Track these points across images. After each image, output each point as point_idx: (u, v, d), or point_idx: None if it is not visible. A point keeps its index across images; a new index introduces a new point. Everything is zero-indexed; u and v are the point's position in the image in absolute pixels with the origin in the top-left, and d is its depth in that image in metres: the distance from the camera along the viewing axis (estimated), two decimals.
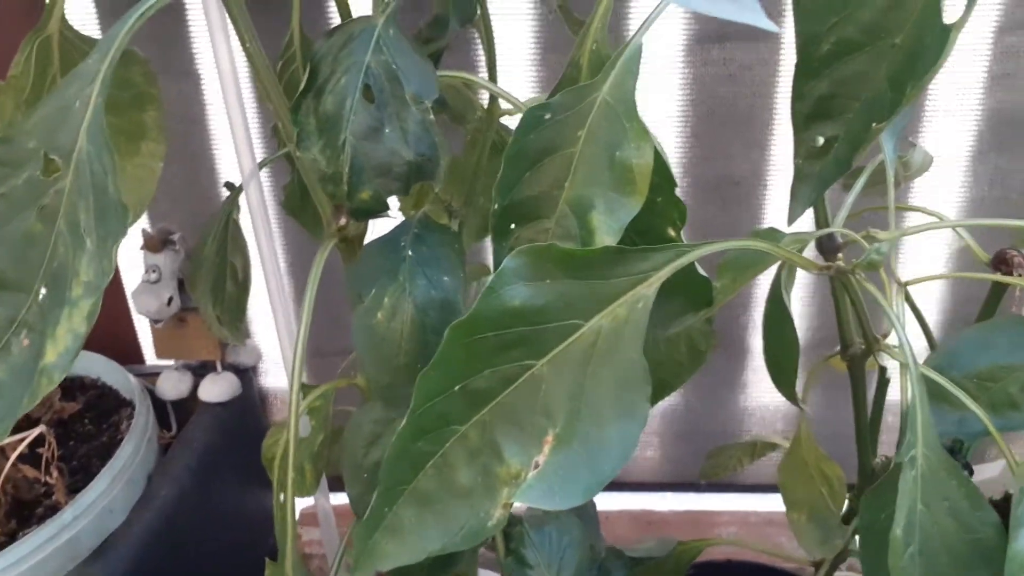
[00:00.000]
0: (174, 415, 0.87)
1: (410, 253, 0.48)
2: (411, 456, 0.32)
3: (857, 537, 0.60)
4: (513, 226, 0.36)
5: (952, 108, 0.80)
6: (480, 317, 0.32)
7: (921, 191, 0.82)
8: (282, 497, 0.55)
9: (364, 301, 0.47)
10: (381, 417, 0.46)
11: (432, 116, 0.41)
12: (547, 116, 0.35)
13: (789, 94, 0.83)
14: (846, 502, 0.60)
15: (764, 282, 0.91)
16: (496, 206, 0.36)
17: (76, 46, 0.57)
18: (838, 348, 0.59)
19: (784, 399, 0.99)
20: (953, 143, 0.81)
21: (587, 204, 0.34)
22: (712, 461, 0.74)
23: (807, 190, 0.38)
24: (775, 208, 0.86)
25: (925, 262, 0.86)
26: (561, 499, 0.31)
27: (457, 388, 0.32)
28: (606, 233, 0.34)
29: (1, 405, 0.34)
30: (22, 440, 0.71)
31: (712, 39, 0.79)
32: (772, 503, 1.03)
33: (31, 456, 0.74)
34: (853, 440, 0.99)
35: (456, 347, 0.32)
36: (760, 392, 0.98)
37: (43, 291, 0.35)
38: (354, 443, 0.46)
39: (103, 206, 0.34)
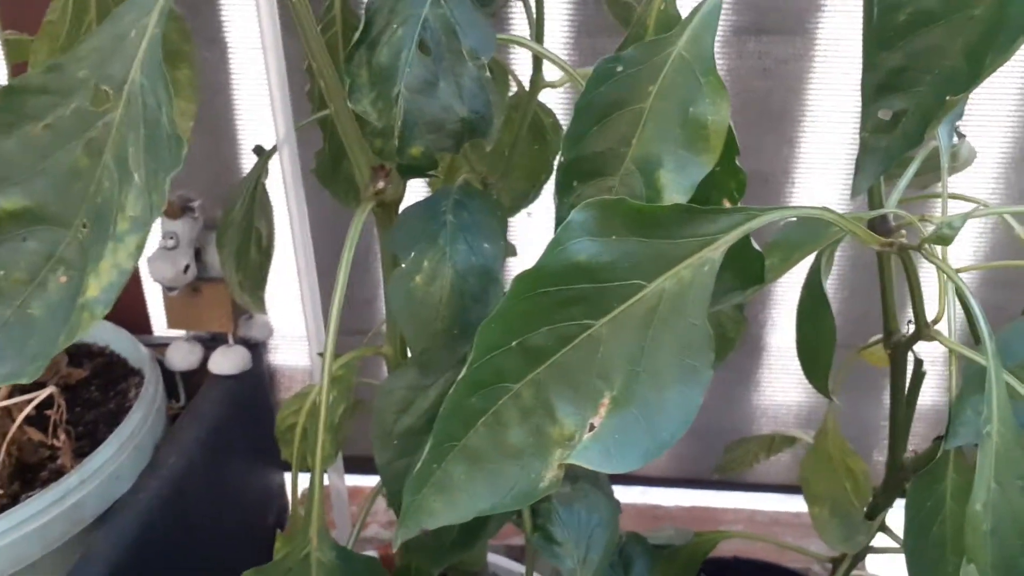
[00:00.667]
0: (183, 386, 0.86)
1: (451, 218, 0.47)
2: (464, 412, 0.31)
3: (880, 534, 0.59)
4: (575, 183, 0.35)
5: (988, 114, 0.79)
6: (544, 270, 0.31)
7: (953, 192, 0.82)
8: (304, 467, 0.54)
9: (402, 264, 0.46)
10: (415, 383, 0.45)
11: (488, 73, 0.40)
12: (619, 69, 0.34)
13: (823, 90, 0.83)
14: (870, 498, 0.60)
15: (783, 279, 0.91)
16: (562, 159, 0.35)
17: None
18: (873, 339, 0.58)
19: (796, 399, 0.99)
20: (987, 150, 0.80)
21: (655, 162, 0.33)
22: (730, 455, 0.73)
23: (873, 164, 0.37)
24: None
25: (962, 253, 0.85)
26: (618, 462, 0.30)
27: (515, 344, 0.31)
28: (675, 191, 0.33)
29: (35, 342, 0.33)
30: (29, 400, 0.70)
31: (749, 31, 0.78)
32: (779, 503, 1.03)
33: (37, 419, 0.73)
34: (867, 447, 0.99)
35: (519, 300, 0.31)
36: (773, 391, 0.98)
37: (84, 227, 0.34)
38: (384, 409, 0.45)
39: (155, 140, 0.33)
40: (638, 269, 0.32)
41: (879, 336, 0.54)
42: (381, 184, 0.50)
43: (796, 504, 1.00)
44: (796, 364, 0.93)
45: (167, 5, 0.33)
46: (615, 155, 0.34)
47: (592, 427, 0.31)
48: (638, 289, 0.32)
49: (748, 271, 0.41)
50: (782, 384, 0.96)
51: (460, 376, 0.31)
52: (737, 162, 0.37)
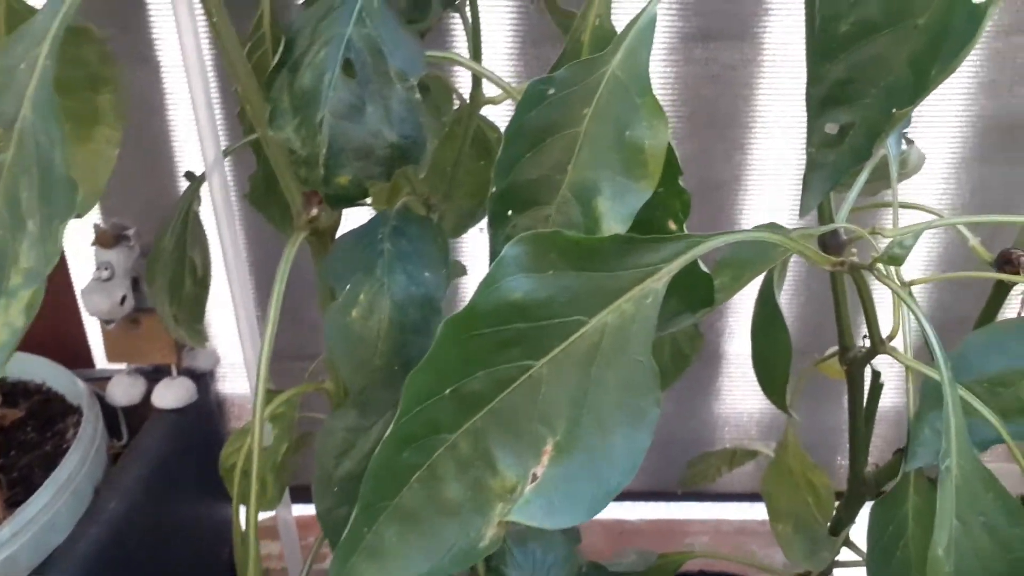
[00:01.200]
0: (125, 422, 0.82)
1: (388, 246, 0.45)
2: (395, 469, 0.29)
3: (844, 548, 0.58)
4: (510, 212, 0.33)
5: (936, 114, 0.79)
6: (477, 311, 0.29)
7: (903, 197, 0.81)
8: (242, 510, 0.51)
9: (337, 297, 0.44)
10: (355, 424, 0.42)
11: (418, 95, 0.38)
12: (550, 91, 0.32)
13: (772, 96, 0.82)
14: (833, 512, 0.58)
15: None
16: (494, 189, 0.33)
17: (25, 18, 0.52)
18: (829, 351, 0.57)
19: (758, 406, 0.98)
20: (936, 150, 0.80)
21: (592, 189, 0.31)
22: (692, 470, 0.71)
23: (821, 181, 0.35)
24: (756, 213, 0.84)
25: (914, 263, 0.85)
26: (562, 516, 0.28)
27: (448, 391, 0.29)
28: (614, 220, 0.31)
29: None
30: None
31: (696, 38, 0.77)
32: (744, 512, 1.02)
33: None
34: (830, 450, 0.98)
35: (450, 344, 0.28)
36: (734, 400, 0.96)
37: None
38: (325, 453, 0.42)
39: (49, 183, 0.30)
40: (578, 304, 0.30)
41: (836, 348, 0.53)
42: (314, 211, 0.48)
43: (761, 512, 0.99)
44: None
45: (59, 33, 0.31)
46: (550, 183, 0.32)
47: (535, 477, 0.29)
48: (579, 326, 0.30)
49: (697, 294, 0.39)
50: (742, 392, 0.95)
51: (388, 432, 0.28)
52: (680, 182, 0.35)
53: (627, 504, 1.00)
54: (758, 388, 0.97)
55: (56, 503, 0.66)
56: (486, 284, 0.29)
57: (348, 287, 0.43)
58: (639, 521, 0.99)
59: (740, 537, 0.98)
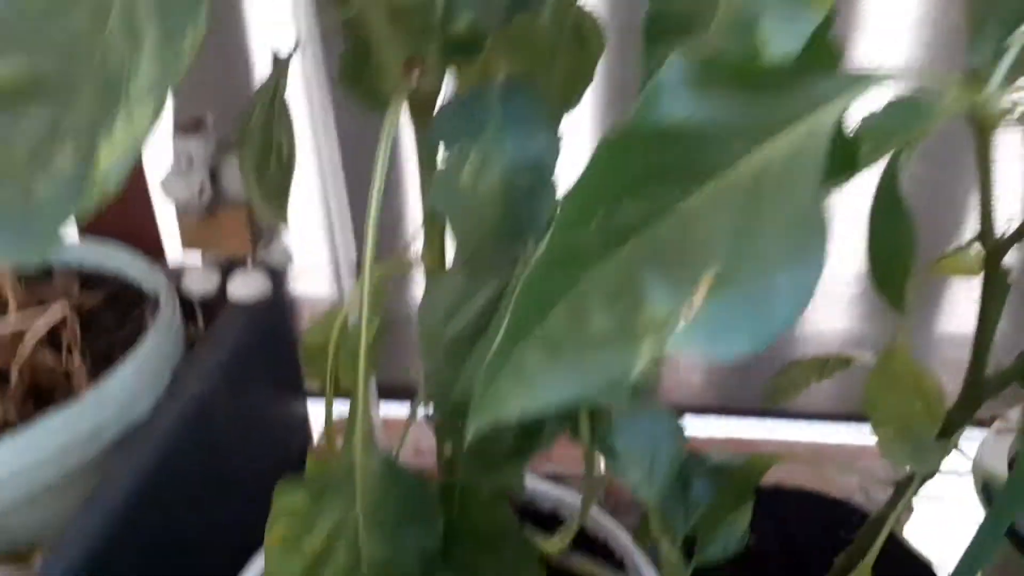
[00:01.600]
0: (201, 314, 0.82)
1: (497, 110, 0.43)
2: (539, 294, 0.27)
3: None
4: (664, 36, 0.30)
5: None
6: (635, 132, 0.26)
7: None
8: (336, 390, 0.50)
9: (446, 160, 0.42)
10: (462, 287, 0.41)
11: None
12: None
13: None
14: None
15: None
16: (648, 10, 0.30)
17: None
18: (954, 247, 0.54)
19: (840, 324, 0.95)
20: None
21: (751, 13, 0.29)
22: (781, 379, 0.69)
23: (991, 33, 0.32)
24: None
25: None
26: (725, 345, 0.26)
27: (597, 218, 0.27)
28: (780, 47, 0.28)
29: (44, 224, 0.29)
30: (42, 320, 0.67)
31: None
32: (817, 433, 1.00)
33: (50, 345, 0.69)
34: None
35: (602, 169, 0.26)
36: (816, 318, 0.93)
37: (93, 94, 0.29)
38: (429, 316, 0.41)
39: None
40: (742, 132, 0.27)
41: (956, 245, 0.50)
42: (415, 77, 0.46)
43: (835, 435, 0.97)
44: (839, 290, 0.88)
45: None
46: (705, 8, 0.29)
47: (690, 309, 0.27)
48: (742, 154, 0.27)
49: (841, 156, 0.36)
50: (826, 312, 0.92)
51: (535, 257, 0.27)
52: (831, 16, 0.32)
53: (696, 420, 0.98)
54: (841, 307, 0.94)
55: (138, 378, 0.66)
56: (644, 104, 0.26)
57: (458, 148, 0.41)
58: (708, 439, 0.98)
59: (814, 458, 0.97)
